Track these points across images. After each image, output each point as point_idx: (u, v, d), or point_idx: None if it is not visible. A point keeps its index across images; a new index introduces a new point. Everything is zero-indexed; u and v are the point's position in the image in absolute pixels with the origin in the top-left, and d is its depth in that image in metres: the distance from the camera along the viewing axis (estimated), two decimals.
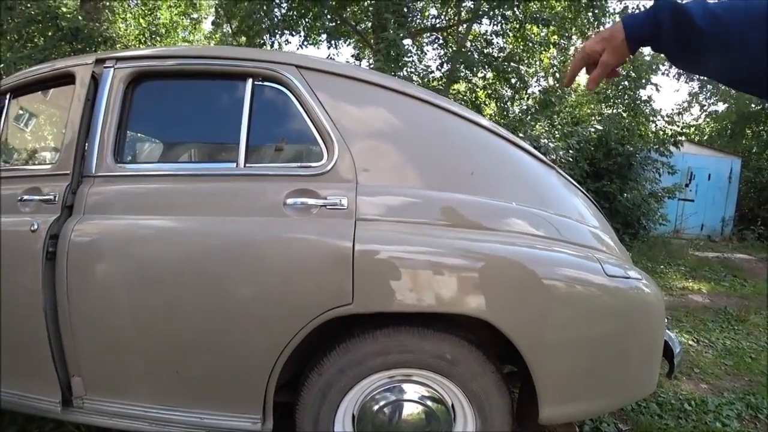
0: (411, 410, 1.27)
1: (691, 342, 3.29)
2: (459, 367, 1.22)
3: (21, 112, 1.74)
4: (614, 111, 8.42)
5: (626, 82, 8.27)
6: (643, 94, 8.60)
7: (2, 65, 6.92)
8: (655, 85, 8.80)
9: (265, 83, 1.36)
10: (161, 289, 1.25)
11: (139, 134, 1.64)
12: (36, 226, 1.29)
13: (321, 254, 1.19)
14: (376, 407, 1.26)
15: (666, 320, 1.51)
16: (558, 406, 1.24)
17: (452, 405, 1.29)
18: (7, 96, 1.60)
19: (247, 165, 1.32)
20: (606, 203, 7.41)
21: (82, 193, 1.34)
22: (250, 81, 1.35)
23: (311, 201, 1.26)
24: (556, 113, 8.73)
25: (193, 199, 1.32)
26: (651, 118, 8.48)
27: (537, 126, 7.75)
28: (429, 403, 1.27)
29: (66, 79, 1.47)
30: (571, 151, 7.04)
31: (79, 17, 7.65)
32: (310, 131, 1.33)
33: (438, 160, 1.38)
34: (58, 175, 1.36)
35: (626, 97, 8.43)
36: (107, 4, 9.04)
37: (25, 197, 1.37)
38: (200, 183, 1.35)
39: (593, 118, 8.60)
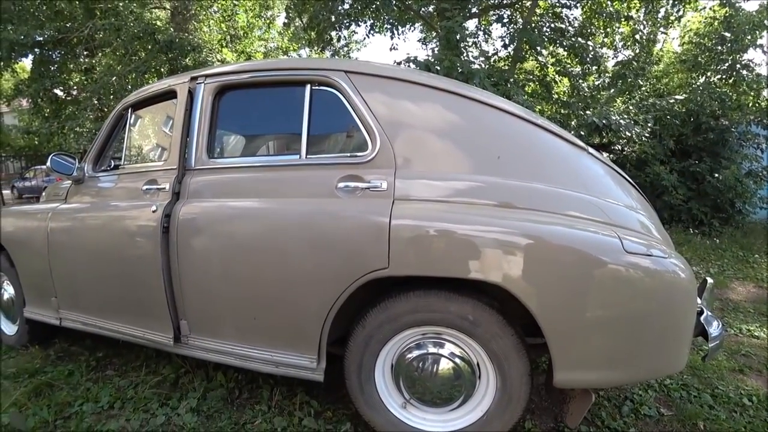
0: (441, 365, 1.48)
1: None
2: (480, 328, 1.40)
3: (139, 122, 2.23)
4: (706, 80, 7.49)
5: (720, 47, 7.31)
6: (745, 57, 7.55)
7: (114, 77, 8.20)
8: (761, 46, 7.67)
9: (321, 87, 1.63)
10: (244, 254, 1.60)
11: (225, 134, 2.03)
12: (155, 208, 1.73)
13: (364, 227, 1.44)
14: (409, 357, 1.49)
15: (699, 301, 1.48)
16: (570, 372, 1.34)
17: (477, 363, 1.47)
18: (129, 110, 2.09)
19: (307, 156, 1.62)
20: (693, 184, 6.72)
21: (186, 182, 1.76)
22: (308, 87, 1.64)
23: (358, 184, 1.51)
24: (636, 87, 8.01)
25: (268, 185, 1.65)
26: (755, 86, 7.43)
27: (617, 100, 7.17)
28: (457, 360, 1.47)
29: (170, 94, 1.89)
30: (649, 126, 6.48)
31: (171, 29, 8.74)
32: (357, 126, 1.58)
33: (467, 148, 1.54)
34: (169, 170, 1.79)
35: (721, 63, 7.44)
36: (193, 13, 10.13)
37: (147, 187, 1.83)
38: (272, 172, 1.68)
39: (680, 89, 7.74)
